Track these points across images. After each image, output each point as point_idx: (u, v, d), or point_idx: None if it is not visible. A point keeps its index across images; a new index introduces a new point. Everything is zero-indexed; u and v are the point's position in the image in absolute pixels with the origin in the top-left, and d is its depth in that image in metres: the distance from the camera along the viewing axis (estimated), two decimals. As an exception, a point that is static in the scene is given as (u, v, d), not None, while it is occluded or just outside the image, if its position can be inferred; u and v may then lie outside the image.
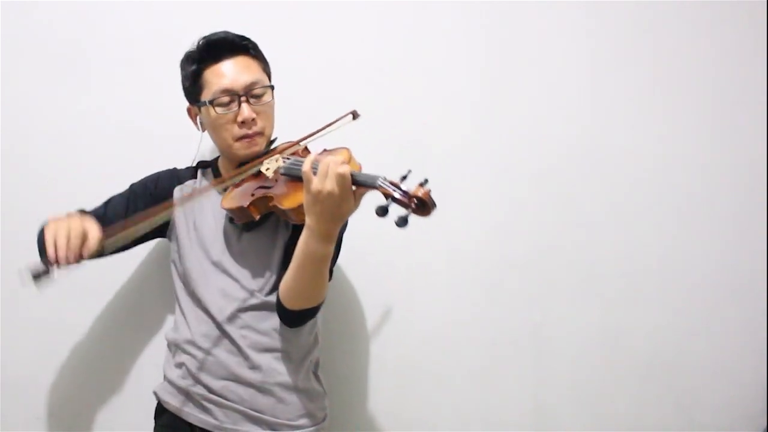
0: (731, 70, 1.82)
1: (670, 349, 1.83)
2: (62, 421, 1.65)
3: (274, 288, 1.40)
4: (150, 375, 1.65)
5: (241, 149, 1.40)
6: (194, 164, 1.53)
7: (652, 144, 1.81)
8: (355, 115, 1.37)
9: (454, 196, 1.71)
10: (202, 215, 1.46)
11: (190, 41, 1.42)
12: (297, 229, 1.38)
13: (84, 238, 1.21)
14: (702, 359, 1.83)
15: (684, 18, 1.81)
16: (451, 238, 1.74)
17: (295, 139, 1.44)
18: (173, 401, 1.43)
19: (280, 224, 1.42)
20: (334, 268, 1.41)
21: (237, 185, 1.43)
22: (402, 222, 1.08)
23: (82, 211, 1.42)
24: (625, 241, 1.80)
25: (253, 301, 1.40)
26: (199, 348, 1.40)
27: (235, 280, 1.41)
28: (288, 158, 1.36)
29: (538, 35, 1.77)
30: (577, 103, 1.78)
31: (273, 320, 1.40)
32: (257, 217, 1.36)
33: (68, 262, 1.20)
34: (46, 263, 1.20)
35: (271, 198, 1.33)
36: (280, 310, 1.36)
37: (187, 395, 1.41)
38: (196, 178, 1.51)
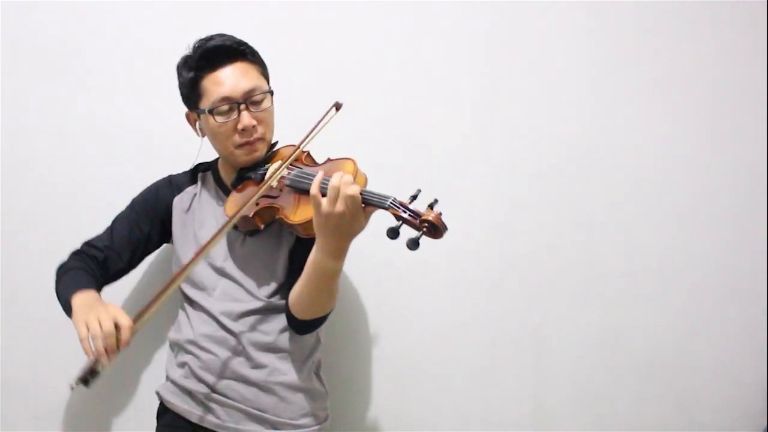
0: (731, 70, 1.82)
1: (670, 349, 1.83)
2: (62, 421, 1.65)
3: (278, 291, 1.41)
4: (152, 375, 1.66)
5: (242, 156, 1.40)
6: (194, 166, 1.53)
7: (653, 144, 1.81)
8: (338, 107, 1.35)
9: (454, 196, 1.71)
10: (204, 222, 1.46)
11: (190, 42, 1.41)
12: (301, 237, 1.39)
13: (117, 330, 1.21)
14: (702, 359, 1.83)
15: (684, 18, 1.81)
16: (451, 238, 1.72)
17: (293, 140, 1.44)
18: (176, 400, 1.43)
19: (284, 230, 1.42)
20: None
21: (238, 190, 1.42)
22: (413, 245, 1.09)
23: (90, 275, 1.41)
24: (625, 241, 1.80)
25: (258, 304, 1.40)
26: (202, 348, 1.40)
27: (239, 284, 1.41)
28: (292, 168, 1.35)
29: (539, 35, 1.77)
30: (577, 103, 1.78)
31: (277, 322, 1.41)
32: (262, 227, 1.37)
33: (110, 360, 1.21)
34: (89, 369, 1.23)
35: (277, 209, 1.33)
36: (290, 319, 1.37)
37: (190, 394, 1.41)
38: (194, 183, 1.51)
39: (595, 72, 1.79)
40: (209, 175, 1.51)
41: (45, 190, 1.64)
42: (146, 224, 1.47)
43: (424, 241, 1.10)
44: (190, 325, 1.43)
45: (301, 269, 1.32)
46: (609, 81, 1.79)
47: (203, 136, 1.43)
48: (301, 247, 1.39)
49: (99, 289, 1.41)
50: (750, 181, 1.84)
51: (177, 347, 1.46)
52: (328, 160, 1.37)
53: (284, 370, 1.40)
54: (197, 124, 1.43)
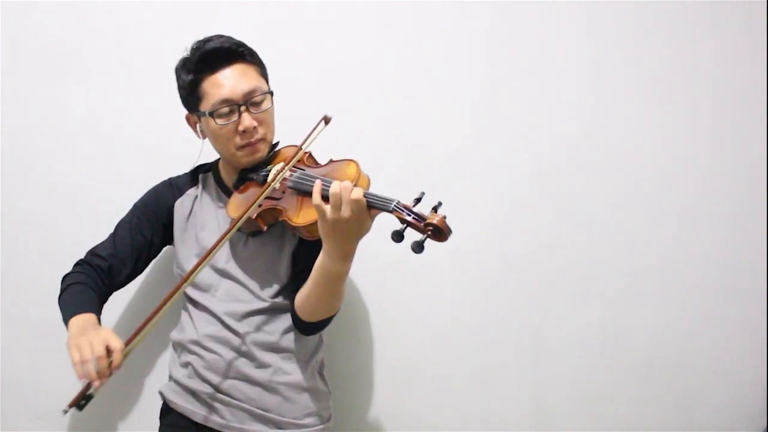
0: (731, 70, 1.82)
1: (670, 349, 1.83)
2: (63, 421, 1.65)
3: (281, 292, 1.41)
4: (154, 375, 1.66)
5: (244, 157, 1.40)
6: (194, 168, 1.53)
7: (653, 144, 1.81)
8: (327, 120, 1.36)
9: (454, 196, 1.70)
10: (206, 224, 1.46)
11: (190, 42, 1.41)
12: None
13: (108, 352, 1.20)
14: (702, 359, 1.83)
15: (684, 18, 1.80)
16: (452, 238, 1.73)
17: (294, 141, 1.44)
18: (179, 401, 1.43)
19: (287, 231, 1.42)
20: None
21: (240, 191, 1.42)
22: (418, 248, 1.09)
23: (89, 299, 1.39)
24: (625, 241, 1.80)
25: (262, 304, 1.40)
26: (206, 348, 1.40)
27: (243, 285, 1.41)
28: (295, 169, 1.35)
29: (539, 35, 1.77)
30: (577, 103, 1.78)
31: (280, 322, 1.41)
32: (265, 228, 1.37)
33: (101, 384, 1.21)
34: (82, 394, 1.22)
35: (280, 211, 1.33)
36: (296, 320, 1.37)
37: (194, 394, 1.41)
38: (194, 185, 1.51)
39: (595, 72, 1.79)
40: (210, 176, 1.51)
41: (45, 190, 1.64)
42: (148, 229, 1.47)
43: (428, 243, 1.10)
44: (193, 326, 1.43)
45: (304, 270, 1.32)
46: (609, 81, 1.79)
47: (204, 138, 1.43)
48: (303, 247, 1.39)
49: (103, 301, 1.42)
50: (750, 181, 1.84)
51: (180, 347, 1.46)
52: (331, 161, 1.37)
53: (288, 370, 1.41)
54: (198, 126, 1.43)
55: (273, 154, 1.44)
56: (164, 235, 1.50)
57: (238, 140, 1.37)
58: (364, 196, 1.16)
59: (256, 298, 1.40)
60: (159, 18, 1.65)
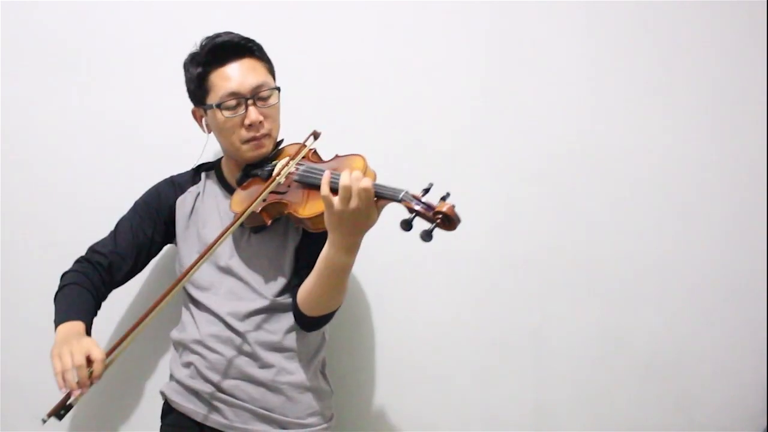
0: (731, 70, 1.82)
1: (670, 349, 1.83)
2: (63, 421, 1.64)
3: (285, 290, 1.41)
4: (154, 374, 1.65)
5: (248, 151, 1.40)
6: (196, 166, 1.53)
7: (653, 144, 1.80)
8: (316, 136, 1.39)
9: (454, 196, 1.70)
10: (207, 221, 1.45)
11: (190, 42, 1.41)
12: (307, 233, 1.39)
13: (89, 362, 1.19)
14: (702, 359, 1.83)
15: (684, 18, 1.80)
16: (452, 238, 1.73)
17: (296, 140, 1.44)
18: (181, 401, 1.43)
19: (290, 227, 1.42)
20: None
21: (243, 187, 1.42)
22: (427, 237, 1.10)
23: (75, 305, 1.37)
24: (625, 241, 1.80)
25: (264, 303, 1.40)
26: (208, 348, 1.40)
27: (245, 283, 1.41)
28: (300, 164, 1.36)
29: (539, 35, 1.77)
30: (577, 103, 1.78)
31: (283, 321, 1.41)
32: (269, 223, 1.37)
33: (82, 393, 1.20)
34: (62, 403, 1.20)
35: (285, 205, 1.33)
36: (298, 315, 1.37)
37: (196, 394, 1.41)
38: (196, 182, 1.51)
39: (595, 72, 1.79)
40: (212, 174, 1.51)
41: (45, 190, 1.64)
42: (149, 227, 1.47)
43: (434, 235, 1.11)
44: (195, 325, 1.43)
45: (307, 267, 1.32)
46: (609, 81, 1.79)
47: (209, 132, 1.43)
48: (307, 243, 1.39)
49: (98, 303, 1.41)
50: (750, 181, 1.84)
51: (182, 347, 1.46)
52: (336, 156, 1.37)
53: (291, 370, 1.41)
54: (203, 120, 1.43)
55: (276, 152, 1.44)
56: (165, 232, 1.49)
57: (243, 133, 1.38)
58: (375, 187, 1.17)
59: (258, 295, 1.40)
60: (159, 18, 1.65)
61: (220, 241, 1.29)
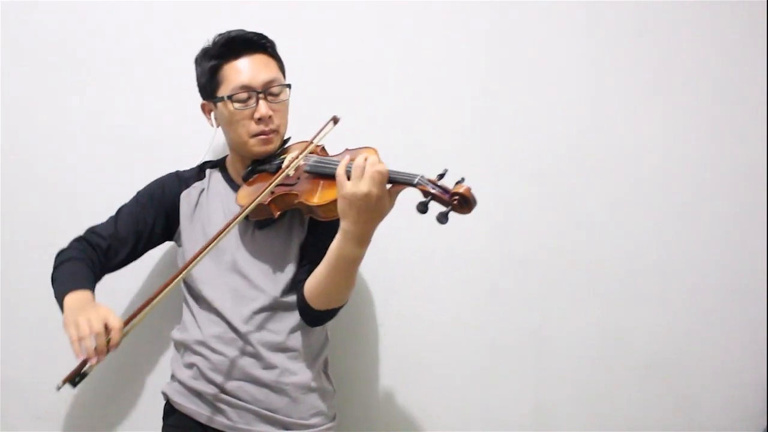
0: (731, 70, 1.82)
1: (670, 349, 1.83)
2: (63, 421, 1.65)
3: (288, 288, 1.40)
4: (155, 374, 1.65)
5: (256, 146, 1.40)
6: (202, 162, 1.53)
7: (653, 144, 1.81)
8: (336, 120, 1.39)
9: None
10: (212, 217, 1.45)
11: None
12: (312, 230, 1.39)
13: (107, 331, 1.19)
14: (702, 359, 1.83)
15: (684, 18, 1.81)
16: (452, 238, 1.74)
17: (300, 138, 1.44)
18: (184, 402, 1.42)
19: (294, 223, 1.42)
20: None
21: (249, 183, 1.42)
22: (443, 218, 1.12)
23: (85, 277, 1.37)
24: (625, 241, 1.80)
25: (268, 301, 1.39)
26: (211, 349, 1.39)
27: (249, 280, 1.40)
28: (309, 157, 1.36)
29: (539, 35, 1.77)
30: (577, 103, 1.78)
31: (287, 320, 1.40)
32: (277, 215, 1.36)
33: (98, 361, 1.20)
34: (77, 370, 1.20)
35: (295, 195, 1.32)
36: (304, 309, 1.37)
37: (199, 396, 1.41)
38: (201, 179, 1.50)
39: (595, 72, 1.79)
40: (217, 171, 1.51)
41: (45, 190, 1.64)
42: (151, 216, 1.46)
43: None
44: (197, 326, 1.42)
45: (312, 263, 1.33)
46: (609, 81, 1.79)
47: (217, 126, 1.44)
48: (312, 240, 1.39)
49: (97, 280, 1.39)
50: (750, 181, 1.84)
51: (183, 347, 1.45)
52: (346, 150, 1.37)
53: (295, 370, 1.40)
54: (212, 114, 1.43)
55: (283, 150, 1.44)
56: (166, 225, 1.48)
57: (252, 127, 1.38)
58: (389, 172, 1.18)
59: (261, 293, 1.39)
60: (159, 18, 1.65)
61: (227, 230, 1.28)
